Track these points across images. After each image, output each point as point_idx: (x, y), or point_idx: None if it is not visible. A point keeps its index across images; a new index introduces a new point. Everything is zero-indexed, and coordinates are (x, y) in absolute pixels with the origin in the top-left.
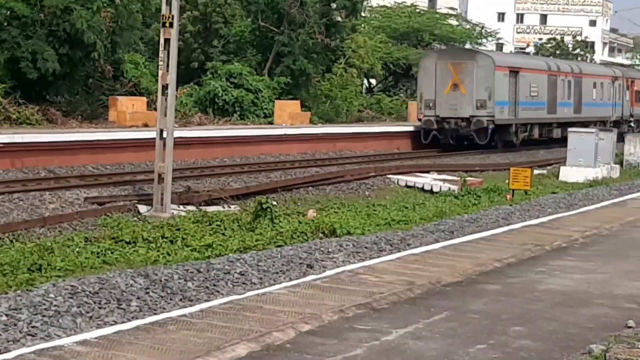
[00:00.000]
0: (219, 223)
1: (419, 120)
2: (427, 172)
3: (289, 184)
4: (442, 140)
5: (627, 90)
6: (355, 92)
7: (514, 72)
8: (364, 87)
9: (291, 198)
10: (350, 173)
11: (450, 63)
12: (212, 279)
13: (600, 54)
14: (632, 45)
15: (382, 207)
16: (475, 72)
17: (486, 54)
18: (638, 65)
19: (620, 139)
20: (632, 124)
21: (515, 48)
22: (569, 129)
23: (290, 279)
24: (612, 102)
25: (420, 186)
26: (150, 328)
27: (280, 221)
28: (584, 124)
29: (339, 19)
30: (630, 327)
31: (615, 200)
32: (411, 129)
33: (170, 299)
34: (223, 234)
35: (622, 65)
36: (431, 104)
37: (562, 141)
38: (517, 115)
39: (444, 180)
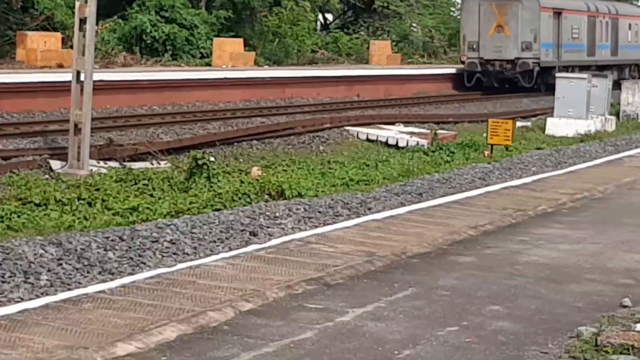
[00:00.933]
0: (146, 182)
1: (462, 62)
2: (392, 123)
3: (229, 137)
4: (486, 83)
5: None
6: (308, 29)
7: (557, 13)
8: (319, 23)
9: (232, 153)
10: (301, 124)
11: (495, 4)
12: (137, 249)
13: None
14: None
15: (339, 164)
16: (521, 14)
17: None
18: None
19: (617, 86)
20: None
21: None
22: (557, 74)
23: (230, 249)
24: None
25: (383, 140)
26: (62, 306)
27: (218, 180)
28: (621, 67)
29: None
30: (625, 307)
31: (610, 158)
32: (374, 72)
33: (87, 272)
34: (151, 196)
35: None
36: (474, 46)
37: None
38: (560, 57)
39: (412, 133)
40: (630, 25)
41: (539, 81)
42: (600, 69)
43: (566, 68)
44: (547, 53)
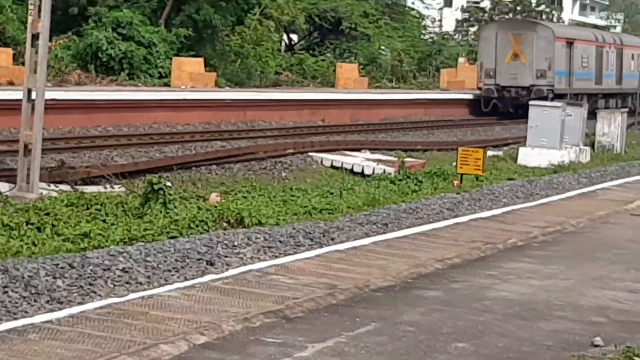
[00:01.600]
0: (98, 207)
1: (479, 89)
2: (358, 150)
3: (187, 161)
4: (502, 108)
5: None
6: (272, 50)
7: (570, 43)
8: (283, 44)
9: (190, 178)
10: (263, 149)
11: (511, 34)
12: (88, 277)
13: (570, 12)
14: (607, 3)
15: (302, 192)
16: (536, 43)
17: (546, 25)
18: (614, 27)
19: (592, 115)
20: None
21: (467, 2)
22: (530, 102)
23: (186, 279)
24: None
25: (348, 167)
26: (6, 337)
27: (175, 206)
28: (624, 95)
29: None
30: (597, 346)
31: (584, 190)
32: (340, 96)
33: (35, 301)
34: (104, 221)
35: (594, 26)
36: (491, 73)
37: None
38: (572, 85)
39: (378, 161)
40: (633, 55)
41: None
42: (605, 97)
43: (576, 95)
44: (560, 81)
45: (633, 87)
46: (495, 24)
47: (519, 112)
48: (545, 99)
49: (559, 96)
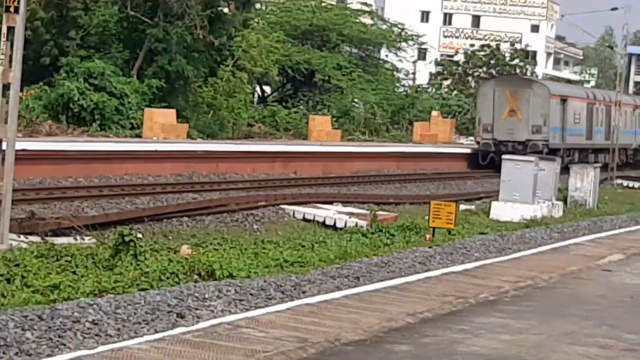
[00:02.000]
0: (69, 259)
1: (477, 143)
2: (330, 202)
3: (158, 213)
4: (499, 162)
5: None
6: (245, 101)
7: (564, 100)
8: (256, 95)
9: (161, 230)
10: (235, 201)
11: (508, 90)
12: (58, 329)
13: (544, 66)
14: (581, 57)
15: (274, 244)
16: (532, 100)
17: (542, 83)
18: (587, 81)
19: (565, 170)
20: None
21: (441, 55)
22: (503, 156)
23: (156, 331)
24: (634, 129)
25: (320, 220)
26: None
27: (146, 258)
28: (600, 149)
29: (227, 11)
30: None
31: (556, 245)
32: (313, 148)
33: (3, 353)
34: (74, 273)
35: (568, 81)
36: (489, 128)
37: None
38: (565, 140)
39: (351, 214)
40: (620, 112)
41: None
42: (595, 151)
43: (569, 150)
44: (555, 136)
45: (621, 142)
46: (493, 81)
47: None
48: (540, 153)
49: (552, 151)
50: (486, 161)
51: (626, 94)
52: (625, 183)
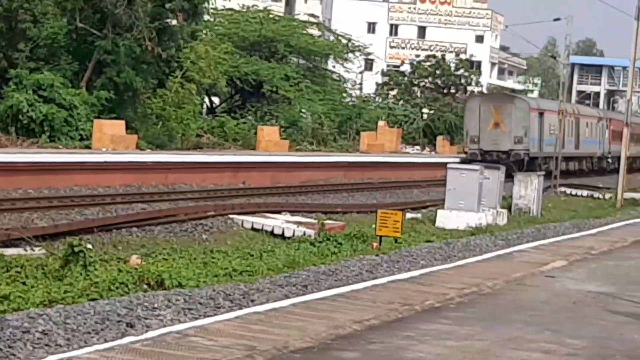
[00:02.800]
0: (18, 269)
1: (465, 153)
2: (279, 212)
3: (108, 223)
4: None
5: (607, 130)
6: (193, 112)
7: (541, 113)
8: (205, 106)
9: (110, 240)
10: (184, 211)
11: (492, 105)
12: (7, 339)
13: (488, 76)
14: (525, 67)
15: (222, 254)
16: (514, 113)
17: (523, 98)
18: (531, 91)
19: (510, 178)
20: (609, 160)
21: (387, 65)
22: (448, 165)
23: (105, 341)
24: (598, 139)
25: (269, 229)
26: None
27: (95, 269)
28: (581, 158)
29: (175, 23)
30: None
31: (501, 253)
32: (261, 159)
33: None
34: (23, 284)
35: (512, 90)
36: (476, 139)
37: (566, 173)
38: (542, 149)
39: (299, 223)
40: (587, 123)
41: (527, 168)
42: (566, 159)
43: (545, 158)
44: (534, 145)
45: (588, 151)
46: (479, 97)
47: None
48: (522, 161)
49: (532, 159)
50: None
51: (591, 107)
52: (568, 191)
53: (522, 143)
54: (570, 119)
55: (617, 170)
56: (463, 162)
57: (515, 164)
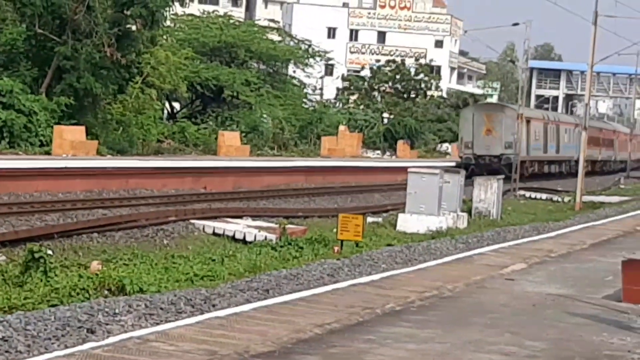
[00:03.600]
0: None
1: (460, 157)
2: (240, 217)
3: (68, 229)
4: (477, 172)
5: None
6: (154, 118)
7: (528, 121)
8: (165, 112)
9: (71, 246)
10: (145, 217)
11: (485, 114)
12: None
13: (448, 81)
14: (484, 72)
15: (184, 259)
16: (504, 121)
17: (512, 107)
18: (491, 95)
19: (470, 182)
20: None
21: (348, 70)
22: (409, 169)
23: (66, 347)
24: (575, 144)
25: (230, 234)
26: None
27: (56, 275)
28: (561, 161)
29: (135, 28)
30: None
31: (461, 256)
32: (222, 164)
33: None
34: None
35: (472, 94)
36: (469, 145)
37: (549, 175)
38: (529, 154)
39: (260, 228)
40: (566, 130)
41: (520, 172)
42: (549, 162)
43: (532, 162)
44: (522, 150)
45: (567, 155)
46: (472, 107)
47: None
48: (511, 165)
49: (521, 162)
50: (468, 172)
51: (570, 115)
52: (527, 194)
53: (512, 148)
54: (552, 126)
55: (592, 173)
56: (458, 166)
57: (505, 167)
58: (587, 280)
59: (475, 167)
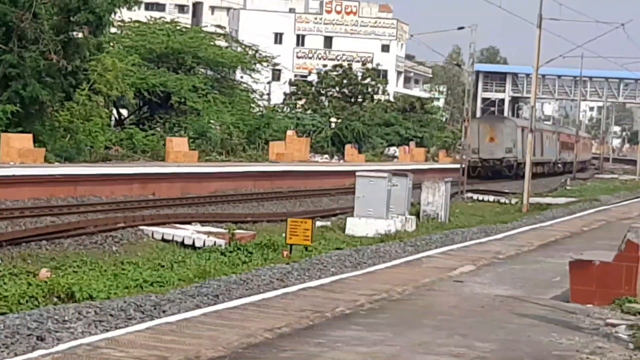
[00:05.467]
0: None
1: (468, 161)
2: (189, 222)
3: (16, 237)
4: (482, 173)
5: (557, 141)
6: (101, 124)
7: (523, 129)
8: (113, 119)
9: (19, 254)
10: (93, 224)
11: (488, 124)
12: None
13: (395, 85)
14: (430, 75)
15: (133, 265)
16: (505, 130)
17: (511, 119)
18: (437, 98)
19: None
20: (559, 164)
21: (295, 76)
22: (357, 173)
23: (15, 355)
24: (552, 149)
25: (179, 240)
26: None
27: (4, 283)
28: (544, 163)
29: (81, 35)
30: None
31: (410, 259)
32: (171, 169)
33: None
34: None
35: (419, 98)
36: (476, 151)
37: (535, 175)
38: (524, 157)
39: (209, 233)
40: (547, 136)
41: (517, 172)
42: (535, 164)
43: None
44: (520, 154)
45: (548, 157)
46: (477, 119)
47: (493, 175)
48: (512, 166)
49: (519, 164)
50: (475, 173)
51: (548, 124)
52: (475, 197)
53: (512, 152)
54: (537, 133)
55: (565, 172)
56: (467, 168)
57: (507, 168)
58: (535, 281)
59: (481, 169)
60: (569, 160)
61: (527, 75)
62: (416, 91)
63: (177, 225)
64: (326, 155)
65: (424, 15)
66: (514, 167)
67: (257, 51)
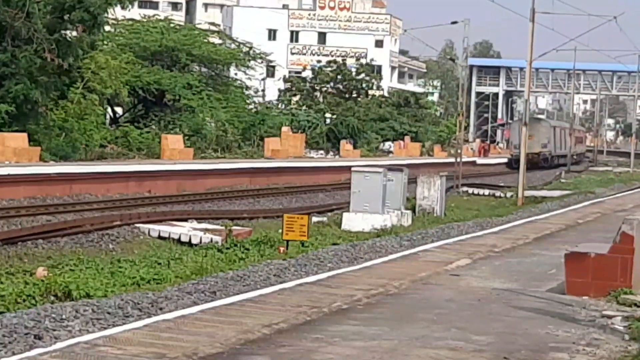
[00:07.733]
0: None
1: (511, 155)
2: (185, 220)
3: (13, 236)
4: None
5: (570, 137)
6: (96, 123)
7: (554, 128)
8: (108, 117)
9: (16, 253)
10: (90, 222)
11: (528, 124)
12: None
13: (389, 80)
14: (424, 70)
15: (130, 263)
16: (541, 129)
17: (546, 120)
18: (431, 93)
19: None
20: (574, 157)
21: (289, 72)
22: (352, 168)
23: (13, 353)
24: (569, 143)
25: (176, 237)
26: None
27: (1, 282)
28: (565, 155)
29: (75, 34)
30: None
31: (406, 253)
32: (166, 167)
33: None
34: None
35: (413, 93)
36: (517, 146)
37: (558, 165)
38: (556, 152)
39: (205, 230)
40: (565, 132)
41: (551, 164)
42: (557, 157)
43: (558, 157)
44: (553, 149)
45: (566, 151)
46: (519, 121)
47: (531, 167)
48: (547, 159)
49: (552, 157)
50: (517, 165)
51: (563, 121)
52: (470, 190)
53: (547, 147)
54: (559, 129)
55: (577, 163)
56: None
57: (543, 160)
58: (531, 274)
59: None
60: (579, 152)
61: (521, 69)
62: (410, 86)
63: (174, 222)
64: (321, 151)
65: (417, 11)
66: (549, 160)
67: (251, 48)
